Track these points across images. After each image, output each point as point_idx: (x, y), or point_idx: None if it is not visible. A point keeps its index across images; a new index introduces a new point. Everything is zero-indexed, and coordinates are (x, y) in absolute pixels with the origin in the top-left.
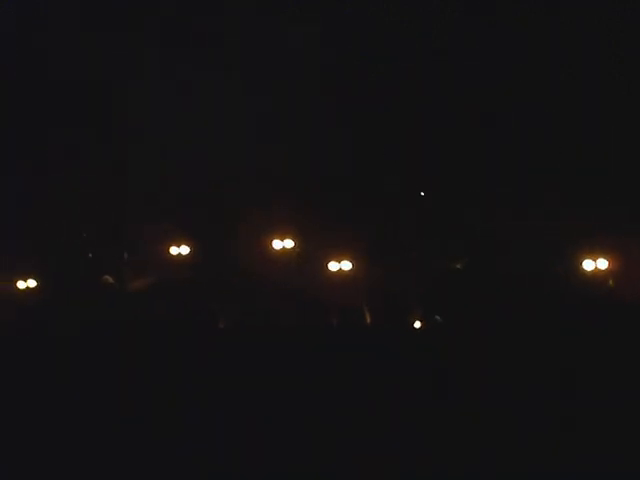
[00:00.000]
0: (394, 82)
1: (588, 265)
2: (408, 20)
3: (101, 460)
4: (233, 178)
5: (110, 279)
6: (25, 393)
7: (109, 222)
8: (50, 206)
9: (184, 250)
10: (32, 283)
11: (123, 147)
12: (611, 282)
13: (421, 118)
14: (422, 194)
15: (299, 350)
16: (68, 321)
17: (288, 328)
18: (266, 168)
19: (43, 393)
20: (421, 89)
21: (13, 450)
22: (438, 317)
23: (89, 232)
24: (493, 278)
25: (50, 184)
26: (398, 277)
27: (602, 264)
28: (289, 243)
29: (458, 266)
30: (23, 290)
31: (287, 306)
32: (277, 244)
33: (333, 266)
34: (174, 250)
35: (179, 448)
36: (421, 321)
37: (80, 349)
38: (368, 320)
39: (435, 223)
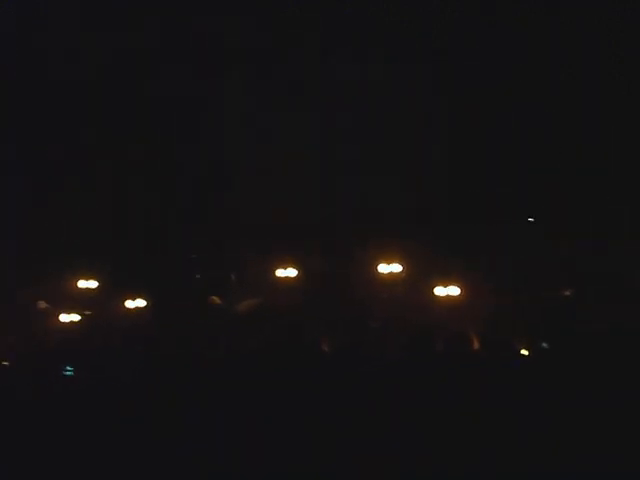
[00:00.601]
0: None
1: None
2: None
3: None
4: (342, 207)
5: (217, 300)
6: (132, 409)
7: (217, 244)
8: (159, 229)
9: (291, 273)
10: (141, 303)
11: (234, 174)
12: None
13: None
14: (530, 219)
15: (405, 375)
16: (176, 340)
17: (394, 354)
18: (373, 196)
19: (148, 410)
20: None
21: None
22: (545, 344)
23: (198, 254)
24: (599, 309)
25: (161, 207)
26: (502, 303)
27: None
28: (396, 268)
29: (562, 294)
30: (133, 309)
31: (394, 331)
32: (384, 268)
33: (440, 291)
34: (281, 272)
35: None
36: (528, 349)
37: (185, 367)
38: (475, 346)
39: (539, 252)
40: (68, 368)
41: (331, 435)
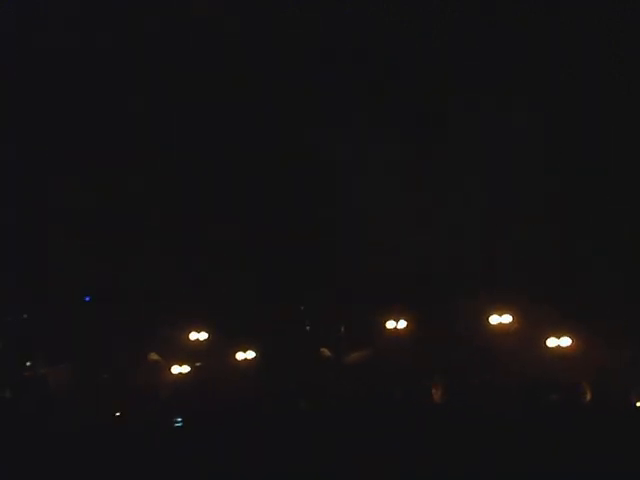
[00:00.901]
0: None
1: None
2: None
3: None
4: (456, 258)
5: (327, 351)
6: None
7: (328, 295)
8: (267, 280)
9: (401, 325)
10: (250, 355)
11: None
12: None
13: None
14: None
15: (514, 427)
16: (285, 389)
17: (503, 405)
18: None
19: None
20: None
21: None
22: None
23: (307, 304)
24: None
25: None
26: (618, 354)
27: None
28: (507, 319)
29: None
30: (242, 361)
31: (505, 382)
32: (495, 319)
33: (552, 342)
34: (391, 324)
35: None
36: None
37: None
38: (589, 397)
39: None
40: (179, 419)
41: None
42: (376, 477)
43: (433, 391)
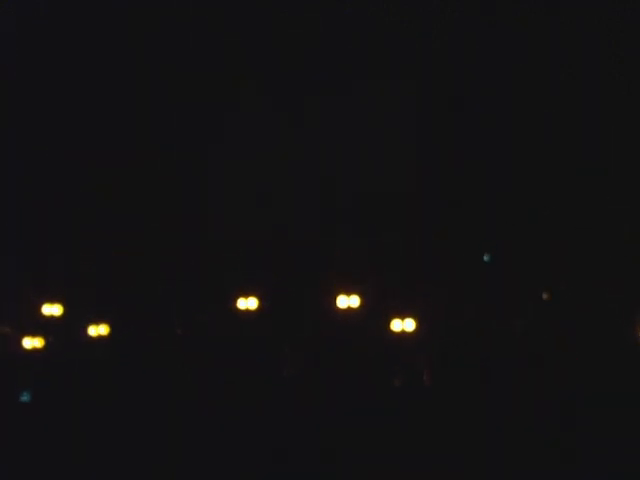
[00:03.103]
0: None
1: None
2: None
3: None
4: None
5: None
6: None
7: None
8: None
9: (251, 304)
10: (103, 330)
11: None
12: None
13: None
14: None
15: (360, 406)
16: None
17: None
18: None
19: None
20: None
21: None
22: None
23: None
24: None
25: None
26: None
27: None
28: (354, 301)
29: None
30: (95, 337)
31: (349, 362)
32: (343, 302)
33: (396, 325)
34: (242, 304)
35: None
36: None
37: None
38: (427, 381)
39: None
40: (25, 394)
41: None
42: None
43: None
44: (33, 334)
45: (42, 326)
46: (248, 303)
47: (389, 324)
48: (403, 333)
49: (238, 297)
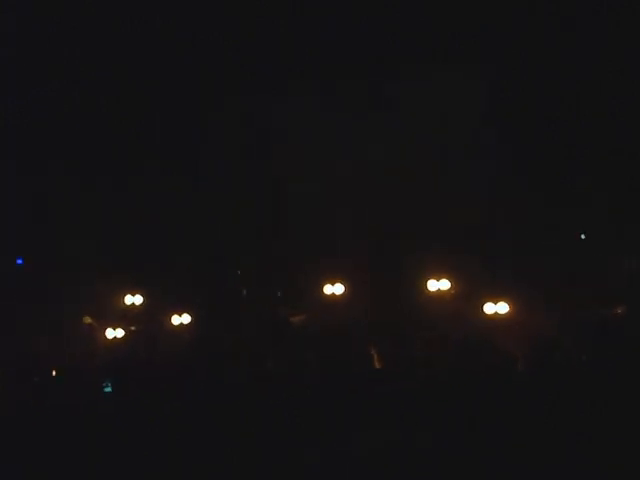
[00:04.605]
0: None
1: None
2: None
3: None
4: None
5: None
6: None
7: (264, 260)
8: (204, 245)
9: (338, 290)
10: (186, 319)
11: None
12: None
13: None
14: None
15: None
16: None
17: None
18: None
19: None
20: None
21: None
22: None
23: (243, 269)
24: None
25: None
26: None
27: None
28: (445, 284)
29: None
30: (178, 326)
31: (444, 350)
32: (433, 285)
33: (489, 308)
34: (328, 289)
35: None
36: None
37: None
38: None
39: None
40: (107, 384)
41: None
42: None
43: (374, 356)
44: (116, 324)
45: (124, 316)
46: (335, 289)
47: (481, 307)
48: (496, 315)
49: (325, 284)
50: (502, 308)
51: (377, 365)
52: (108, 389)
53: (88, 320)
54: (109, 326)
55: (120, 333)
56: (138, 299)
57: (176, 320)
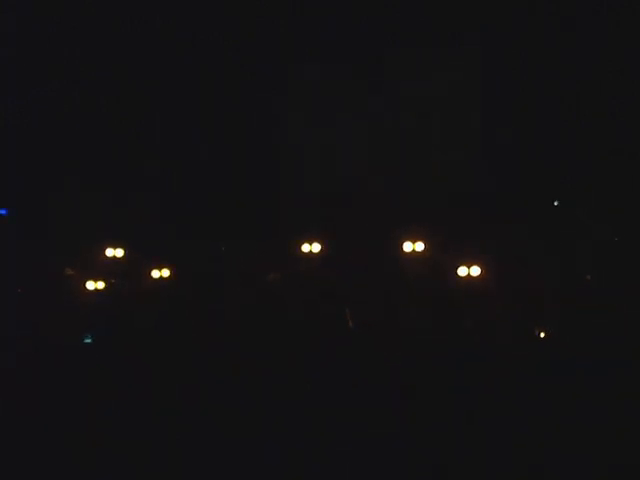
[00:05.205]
0: None
1: None
2: None
3: None
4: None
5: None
6: None
7: (244, 216)
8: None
9: (315, 248)
10: (166, 273)
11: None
12: None
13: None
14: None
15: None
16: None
17: (415, 331)
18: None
19: None
20: None
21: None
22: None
23: (223, 225)
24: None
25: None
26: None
27: None
28: (419, 246)
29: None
30: (157, 279)
31: (416, 308)
32: (408, 246)
33: (462, 271)
34: (306, 247)
35: None
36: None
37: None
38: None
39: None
40: (88, 336)
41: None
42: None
43: (348, 316)
44: (96, 276)
45: (105, 268)
46: (312, 247)
47: (455, 270)
48: (469, 277)
49: (302, 243)
50: (474, 271)
51: (350, 324)
52: (88, 340)
53: (69, 271)
54: (90, 278)
55: (101, 285)
56: (119, 252)
57: (156, 274)
